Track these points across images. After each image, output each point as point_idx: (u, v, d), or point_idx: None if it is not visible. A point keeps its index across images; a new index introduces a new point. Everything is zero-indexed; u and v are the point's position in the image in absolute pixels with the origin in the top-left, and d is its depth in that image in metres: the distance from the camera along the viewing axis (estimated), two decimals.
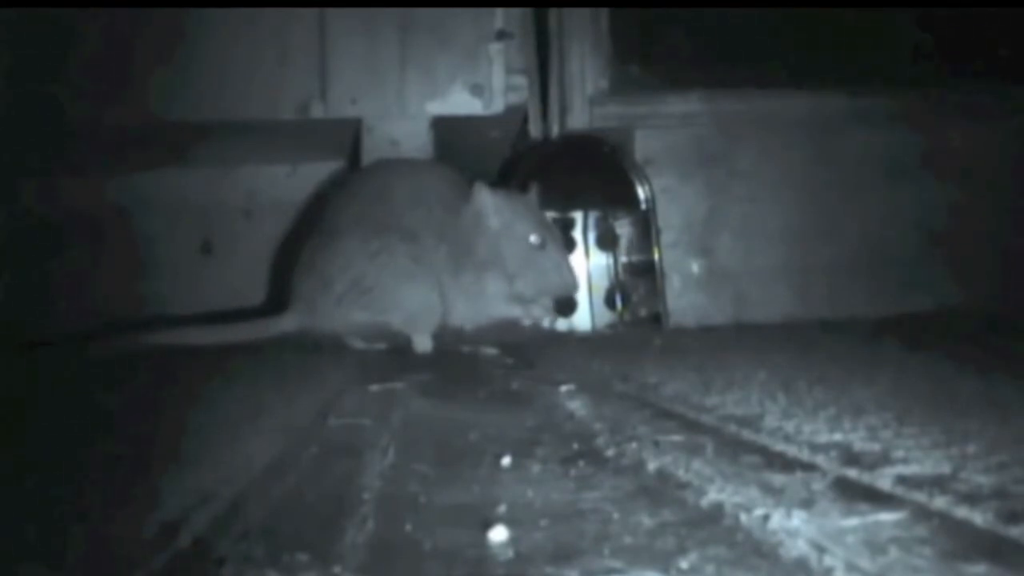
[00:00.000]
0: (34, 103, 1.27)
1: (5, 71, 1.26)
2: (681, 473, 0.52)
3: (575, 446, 0.61)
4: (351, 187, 1.23)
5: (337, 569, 0.38)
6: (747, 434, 0.61)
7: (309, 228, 1.23)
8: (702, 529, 0.42)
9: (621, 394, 0.80)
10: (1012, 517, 0.41)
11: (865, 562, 0.37)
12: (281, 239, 1.52)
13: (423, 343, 1.17)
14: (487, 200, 1.16)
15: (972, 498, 0.44)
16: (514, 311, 1.20)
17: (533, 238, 1.16)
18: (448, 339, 1.19)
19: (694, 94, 1.44)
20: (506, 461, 0.57)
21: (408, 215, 1.16)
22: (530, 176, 1.42)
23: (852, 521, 0.42)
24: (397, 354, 1.15)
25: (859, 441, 0.57)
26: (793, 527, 0.41)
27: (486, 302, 1.18)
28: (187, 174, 1.52)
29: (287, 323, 1.17)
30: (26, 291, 1.40)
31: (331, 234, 1.17)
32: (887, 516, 0.43)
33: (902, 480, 0.48)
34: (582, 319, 1.40)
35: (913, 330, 1.25)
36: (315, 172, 1.55)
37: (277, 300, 1.32)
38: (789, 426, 0.62)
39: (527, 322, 1.22)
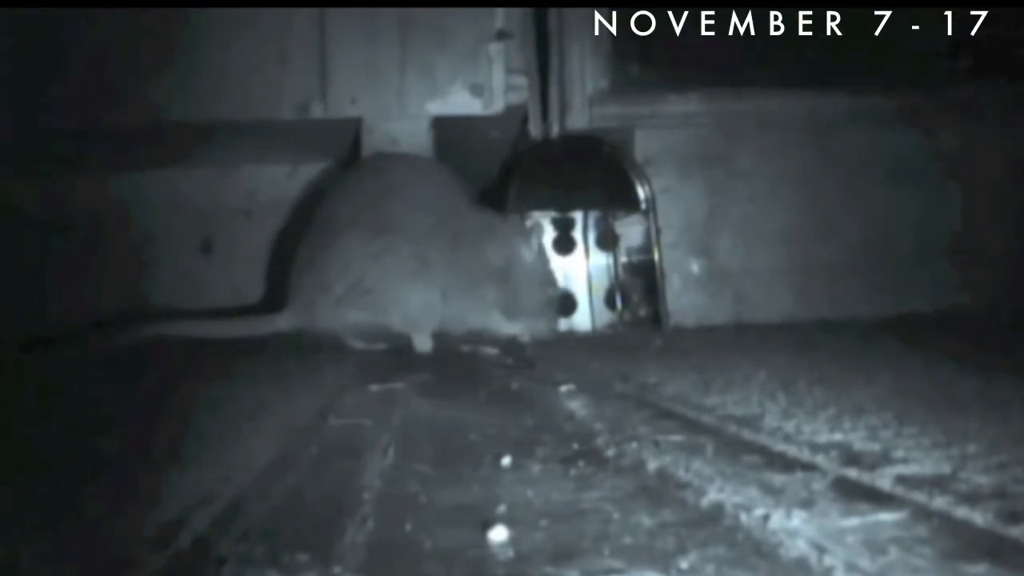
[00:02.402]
0: (34, 103, 1.27)
1: (5, 70, 1.26)
2: (681, 473, 0.52)
3: (575, 446, 0.61)
4: (350, 183, 1.23)
5: (337, 569, 0.38)
6: (747, 434, 0.61)
7: (308, 224, 1.23)
8: (702, 529, 0.42)
9: (621, 394, 0.80)
10: (1012, 517, 0.41)
11: (865, 562, 0.37)
12: (281, 239, 1.51)
13: (423, 343, 1.17)
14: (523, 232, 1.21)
15: (972, 498, 0.44)
16: (511, 327, 1.20)
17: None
18: (448, 339, 1.19)
19: (694, 94, 1.44)
20: (506, 461, 0.57)
21: (411, 214, 1.16)
22: (530, 176, 1.43)
23: (852, 521, 0.42)
24: (397, 354, 1.15)
25: (859, 441, 0.57)
26: (793, 527, 0.41)
27: (484, 312, 1.19)
28: (187, 174, 1.52)
29: (284, 321, 1.17)
30: (26, 291, 1.40)
31: (331, 232, 1.16)
32: (887, 516, 0.43)
33: (902, 480, 0.48)
34: (582, 319, 1.40)
35: (913, 330, 1.25)
36: (315, 172, 1.55)
37: (275, 297, 1.31)
38: (789, 426, 0.62)
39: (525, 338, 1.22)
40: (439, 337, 1.18)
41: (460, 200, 1.22)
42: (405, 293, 1.14)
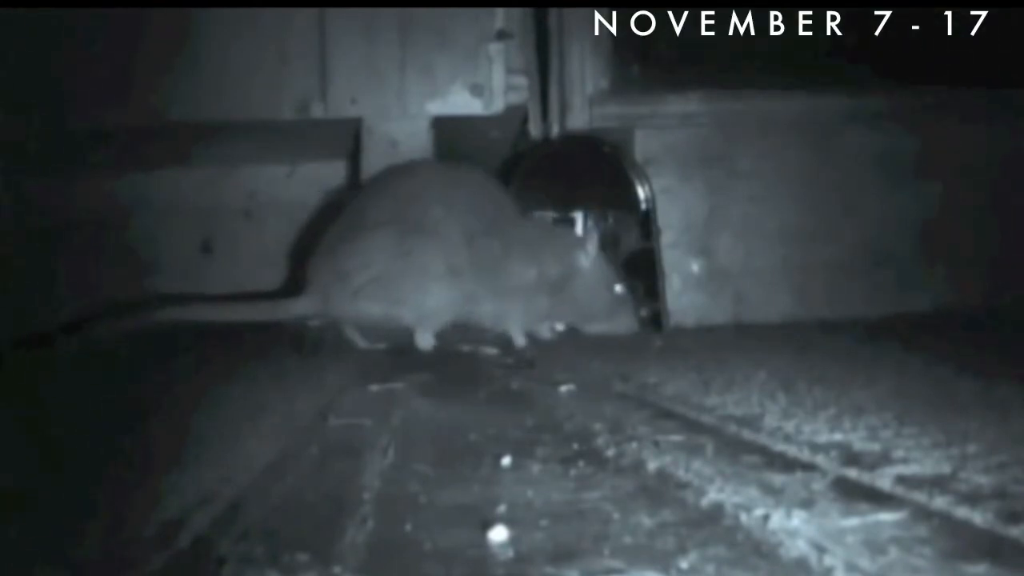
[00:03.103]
0: (36, 103, 1.27)
1: (8, 72, 1.26)
2: (681, 473, 0.52)
3: (575, 446, 0.61)
4: (392, 183, 1.23)
5: (337, 569, 0.38)
6: (747, 434, 0.61)
7: (337, 216, 1.23)
8: (702, 529, 0.42)
9: (621, 394, 0.80)
10: (1012, 517, 0.41)
11: (865, 562, 0.37)
12: (283, 238, 1.52)
13: (425, 340, 1.17)
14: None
15: (972, 498, 0.44)
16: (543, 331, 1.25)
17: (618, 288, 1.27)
18: (450, 338, 1.20)
19: (694, 94, 1.44)
20: (506, 461, 0.57)
21: (449, 220, 1.16)
22: (530, 176, 1.43)
23: (852, 521, 0.42)
24: (397, 354, 1.15)
25: (859, 441, 0.57)
26: (793, 527, 0.41)
27: (535, 320, 1.23)
28: (187, 174, 1.52)
29: (301, 307, 1.17)
30: (28, 289, 1.40)
31: (362, 226, 1.16)
32: (887, 516, 0.43)
33: (902, 480, 0.48)
34: None
35: (913, 330, 1.25)
36: (315, 172, 1.55)
37: (294, 283, 1.32)
38: (789, 426, 0.62)
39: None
40: (440, 336, 1.19)
41: (510, 211, 1.23)
42: (423, 292, 1.14)
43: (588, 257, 1.22)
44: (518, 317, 1.20)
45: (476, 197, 1.21)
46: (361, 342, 1.19)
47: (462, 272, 1.15)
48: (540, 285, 1.20)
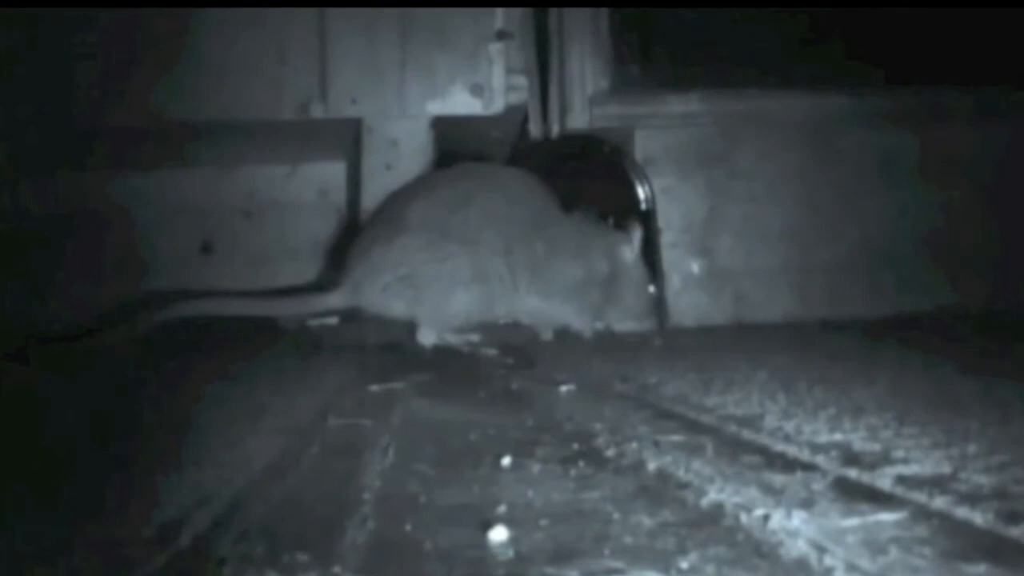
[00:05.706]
0: (36, 102, 1.27)
1: (8, 71, 1.26)
2: (681, 473, 0.52)
3: (575, 446, 0.61)
4: (433, 187, 1.24)
5: (337, 569, 0.38)
6: (747, 434, 0.61)
7: (374, 216, 1.25)
8: (702, 529, 0.42)
9: (621, 394, 0.80)
10: (1012, 517, 0.41)
11: (865, 562, 0.37)
12: (283, 238, 1.52)
13: (428, 336, 1.18)
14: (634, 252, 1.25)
15: (972, 498, 0.44)
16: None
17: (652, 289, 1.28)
18: (452, 338, 1.20)
19: (694, 94, 1.44)
20: (506, 461, 0.57)
21: (484, 228, 1.17)
22: None
23: (852, 521, 0.42)
24: (397, 354, 1.15)
25: (859, 441, 0.57)
26: (793, 527, 0.41)
27: (583, 314, 1.24)
28: (187, 174, 1.52)
29: (334, 300, 1.20)
30: (27, 289, 1.40)
31: (399, 227, 1.18)
32: (887, 516, 0.43)
33: (902, 480, 0.48)
34: None
35: (912, 330, 1.25)
36: (315, 172, 1.55)
37: (326, 278, 1.34)
38: (789, 426, 0.62)
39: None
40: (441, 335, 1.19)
41: (552, 210, 1.23)
42: (444, 299, 1.16)
43: (632, 254, 1.23)
44: (570, 314, 1.22)
45: (517, 201, 1.22)
46: (374, 338, 1.21)
47: (493, 279, 1.17)
48: (590, 282, 1.21)
